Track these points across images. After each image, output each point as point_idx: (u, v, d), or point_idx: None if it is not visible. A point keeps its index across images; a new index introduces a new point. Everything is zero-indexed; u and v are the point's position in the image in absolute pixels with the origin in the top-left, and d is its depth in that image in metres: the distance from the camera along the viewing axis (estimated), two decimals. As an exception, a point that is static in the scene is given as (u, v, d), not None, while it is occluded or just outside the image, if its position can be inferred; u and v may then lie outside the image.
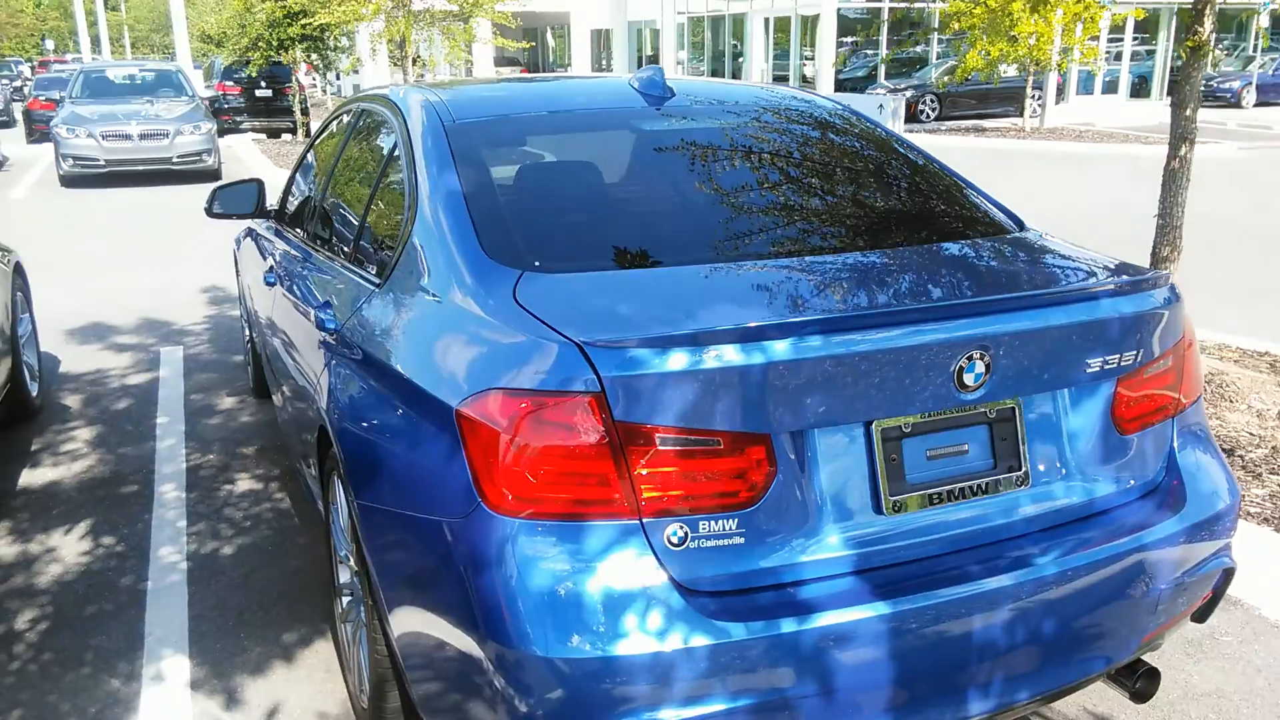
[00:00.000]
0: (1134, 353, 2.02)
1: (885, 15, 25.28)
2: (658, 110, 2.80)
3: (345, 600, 2.74)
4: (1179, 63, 4.64)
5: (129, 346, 6.22)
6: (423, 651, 2.00)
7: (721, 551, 1.74)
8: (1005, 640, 1.84)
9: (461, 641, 1.82)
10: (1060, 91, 25.25)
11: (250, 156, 17.52)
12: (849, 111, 3.04)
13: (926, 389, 1.83)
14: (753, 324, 1.74)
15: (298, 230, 3.63)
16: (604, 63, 35.36)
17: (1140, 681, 2.14)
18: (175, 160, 13.72)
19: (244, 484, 4.12)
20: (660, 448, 1.70)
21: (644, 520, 1.71)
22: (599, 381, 1.68)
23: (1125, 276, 2.14)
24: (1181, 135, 4.49)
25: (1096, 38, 21.45)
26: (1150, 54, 29.77)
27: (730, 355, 1.70)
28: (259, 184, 4.10)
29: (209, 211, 4.06)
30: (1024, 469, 1.96)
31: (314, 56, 19.21)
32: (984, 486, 1.92)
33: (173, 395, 5.27)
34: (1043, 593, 1.86)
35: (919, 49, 26.61)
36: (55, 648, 2.96)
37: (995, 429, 1.94)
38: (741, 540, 1.74)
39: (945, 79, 23.31)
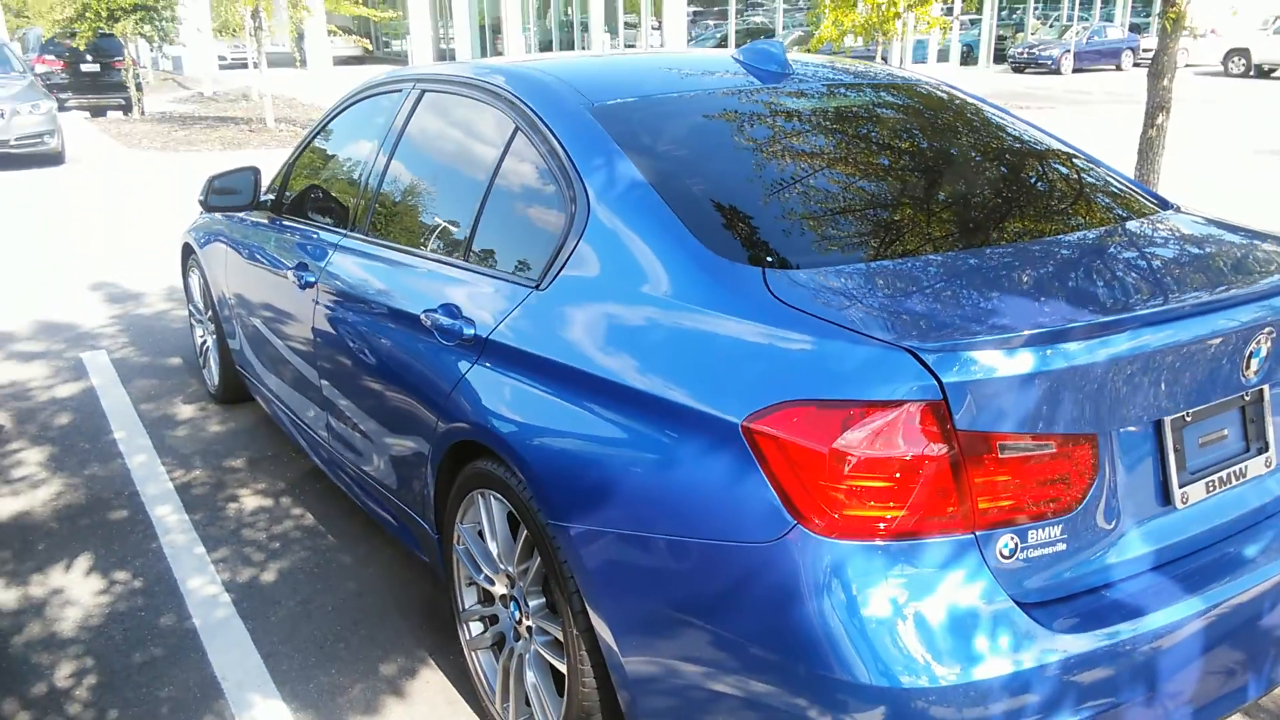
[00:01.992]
0: None
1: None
2: (794, 89, 2.66)
3: (475, 626, 2.53)
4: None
5: (39, 355, 5.62)
6: (677, 685, 1.84)
7: (1046, 560, 1.68)
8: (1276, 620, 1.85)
9: (757, 675, 1.69)
10: (899, 61, 26.14)
11: (91, 137, 16.19)
12: (948, 85, 2.99)
13: (1220, 376, 1.83)
14: (1096, 320, 1.70)
15: (338, 226, 3.28)
16: (444, 31, 34.30)
17: None
18: (13, 143, 12.50)
19: (250, 500, 3.76)
20: (1000, 456, 1.63)
21: (978, 534, 1.63)
22: (939, 388, 1.58)
23: None
24: (1158, 104, 4.65)
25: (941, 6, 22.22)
26: (975, 24, 31.21)
27: (1073, 353, 1.65)
28: (255, 172, 3.73)
29: (205, 204, 3.66)
30: (1270, 449, 1.97)
31: (147, 28, 17.86)
32: (1243, 471, 1.92)
33: (119, 406, 4.78)
34: None
35: (761, 20, 26.89)
36: (120, 704, 2.62)
37: (1247, 411, 1.94)
38: (1064, 547, 1.69)
39: (795, 49, 23.73)
